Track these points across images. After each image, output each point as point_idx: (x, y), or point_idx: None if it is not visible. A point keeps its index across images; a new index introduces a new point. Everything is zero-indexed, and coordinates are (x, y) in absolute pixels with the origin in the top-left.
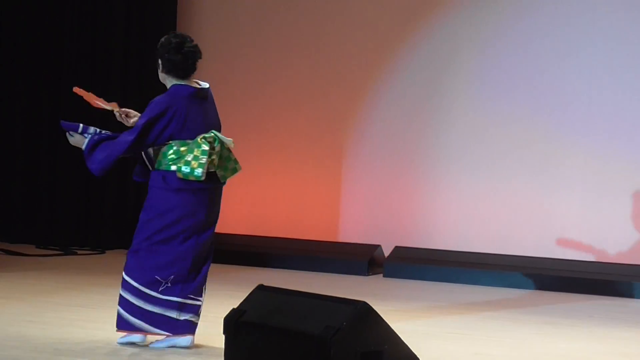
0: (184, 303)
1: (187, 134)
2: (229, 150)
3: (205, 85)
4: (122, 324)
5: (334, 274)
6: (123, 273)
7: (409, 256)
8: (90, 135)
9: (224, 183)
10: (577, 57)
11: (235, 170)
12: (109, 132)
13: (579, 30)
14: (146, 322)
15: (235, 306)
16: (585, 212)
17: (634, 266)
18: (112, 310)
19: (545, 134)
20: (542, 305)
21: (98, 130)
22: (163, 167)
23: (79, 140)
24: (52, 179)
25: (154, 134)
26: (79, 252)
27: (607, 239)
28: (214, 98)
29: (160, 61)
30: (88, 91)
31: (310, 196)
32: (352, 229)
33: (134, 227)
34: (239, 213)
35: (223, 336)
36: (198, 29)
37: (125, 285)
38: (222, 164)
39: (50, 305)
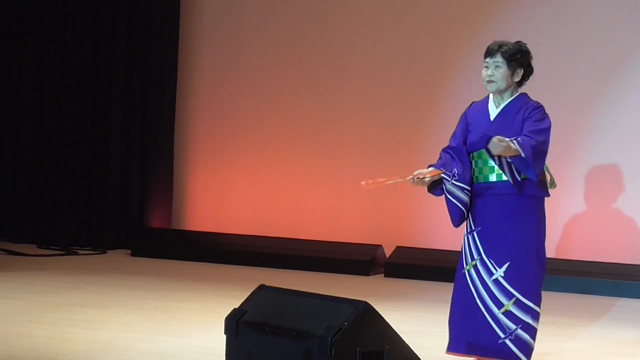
0: None
1: None
2: None
3: None
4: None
5: (335, 274)
6: (533, 304)
7: (410, 256)
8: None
9: None
10: (577, 58)
11: None
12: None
13: (582, 31)
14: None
15: (237, 306)
16: (586, 212)
17: (636, 266)
18: (114, 310)
19: None
20: (544, 306)
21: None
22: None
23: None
24: (53, 179)
25: None
26: (80, 252)
27: (608, 239)
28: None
29: (522, 66)
30: None
31: (311, 196)
32: (353, 229)
33: (136, 227)
34: (240, 213)
35: (224, 336)
36: (200, 28)
37: (535, 315)
38: None
39: (51, 305)
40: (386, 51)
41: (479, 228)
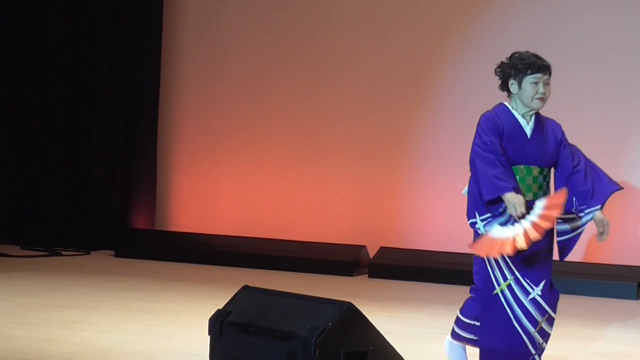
0: None
1: None
2: None
3: None
4: None
5: (319, 275)
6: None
7: (394, 257)
8: None
9: None
10: (571, 58)
11: None
12: None
13: (577, 29)
14: None
15: (221, 307)
16: None
17: (620, 266)
18: (98, 311)
19: None
20: None
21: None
22: None
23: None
24: (37, 179)
25: None
26: (63, 252)
27: (595, 240)
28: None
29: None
30: None
31: (295, 197)
32: (337, 230)
33: (120, 228)
34: (224, 214)
35: (208, 337)
36: (183, 28)
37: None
38: None
39: (35, 306)
40: (373, 54)
41: None
